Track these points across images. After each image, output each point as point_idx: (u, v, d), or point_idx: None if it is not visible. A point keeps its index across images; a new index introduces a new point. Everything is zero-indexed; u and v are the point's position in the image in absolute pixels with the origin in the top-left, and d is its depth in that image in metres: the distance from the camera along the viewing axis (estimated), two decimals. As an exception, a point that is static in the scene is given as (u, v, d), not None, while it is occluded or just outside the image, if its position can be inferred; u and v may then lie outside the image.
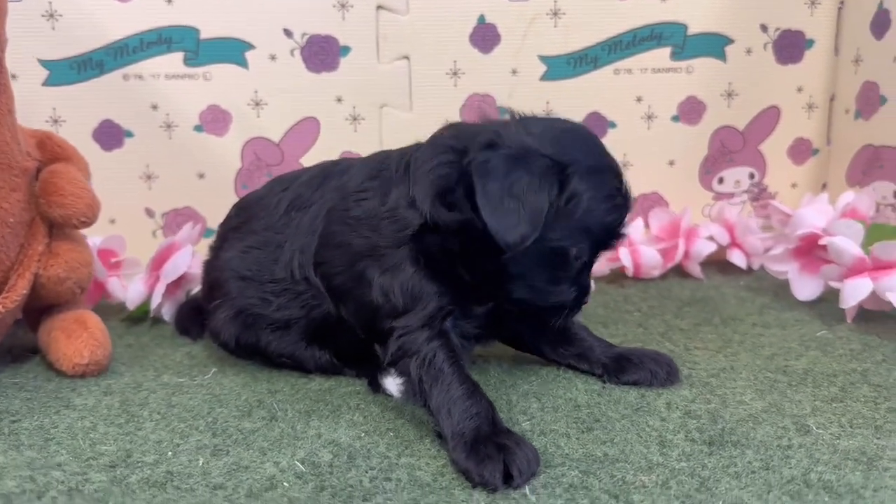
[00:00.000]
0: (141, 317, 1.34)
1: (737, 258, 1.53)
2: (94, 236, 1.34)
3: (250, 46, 1.46)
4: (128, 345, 1.23)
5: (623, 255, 1.49)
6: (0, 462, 0.84)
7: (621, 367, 1.04)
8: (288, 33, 1.46)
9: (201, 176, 1.50)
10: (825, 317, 1.28)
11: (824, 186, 1.64)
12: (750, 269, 1.54)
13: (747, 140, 1.61)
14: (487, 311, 0.98)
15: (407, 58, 1.50)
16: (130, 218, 1.50)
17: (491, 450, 0.79)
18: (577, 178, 0.88)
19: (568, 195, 0.88)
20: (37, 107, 1.43)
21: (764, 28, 1.55)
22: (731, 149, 1.61)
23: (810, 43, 1.57)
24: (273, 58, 1.47)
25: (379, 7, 1.47)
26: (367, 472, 0.82)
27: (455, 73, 1.51)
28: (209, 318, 1.13)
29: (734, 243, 1.55)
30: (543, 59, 1.52)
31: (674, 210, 1.59)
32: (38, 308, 1.15)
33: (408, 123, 1.52)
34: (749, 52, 1.56)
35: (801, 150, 1.64)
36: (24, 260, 1.07)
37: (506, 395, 1.00)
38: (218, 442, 0.89)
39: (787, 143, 1.63)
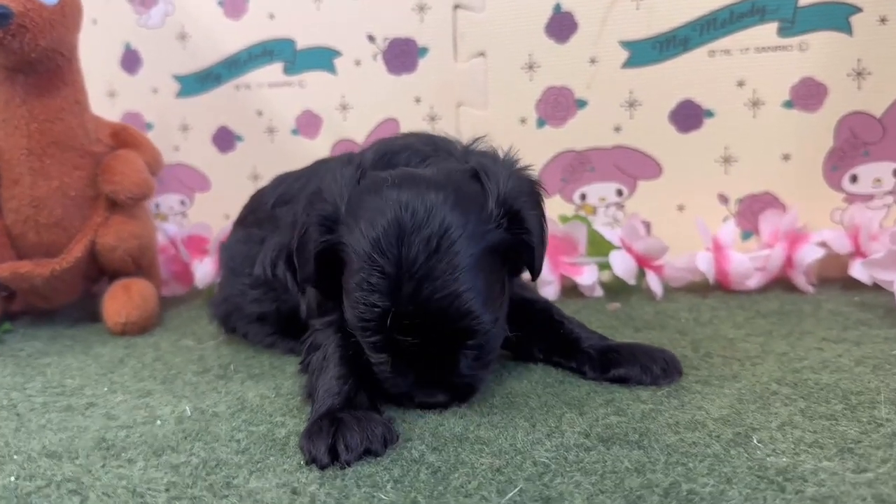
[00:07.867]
0: (219, 297, 1.47)
1: (857, 271, 1.23)
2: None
3: (338, 54, 1.55)
4: (189, 316, 1.36)
5: (702, 260, 1.28)
6: (-9, 381, 1.00)
7: (608, 361, 0.90)
8: (371, 39, 1.53)
9: (296, 175, 1.61)
10: (933, 338, 0.98)
11: None
12: (876, 286, 1.22)
13: (887, 129, 1.30)
14: None
15: (483, 54, 1.47)
16: (241, 214, 1.66)
17: (325, 425, 0.73)
18: (345, 242, 0.81)
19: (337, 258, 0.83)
20: (172, 115, 1.66)
21: (907, -10, 1.26)
22: (866, 140, 1.31)
23: (977, 3, 1.23)
24: (358, 63, 1.54)
25: (456, 6, 1.47)
26: (235, 425, 0.81)
27: (531, 67, 1.45)
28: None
29: (858, 252, 1.25)
30: (625, 44, 1.39)
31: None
32: (110, 276, 1.33)
33: (483, 121, 1.49)
34: (884, 20, 1.27)
35: (970, 140, 1.28)
36: (84, 229, 1.25)
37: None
38: (156, 388, 0.95)
39: (948, 131, 1.29)
